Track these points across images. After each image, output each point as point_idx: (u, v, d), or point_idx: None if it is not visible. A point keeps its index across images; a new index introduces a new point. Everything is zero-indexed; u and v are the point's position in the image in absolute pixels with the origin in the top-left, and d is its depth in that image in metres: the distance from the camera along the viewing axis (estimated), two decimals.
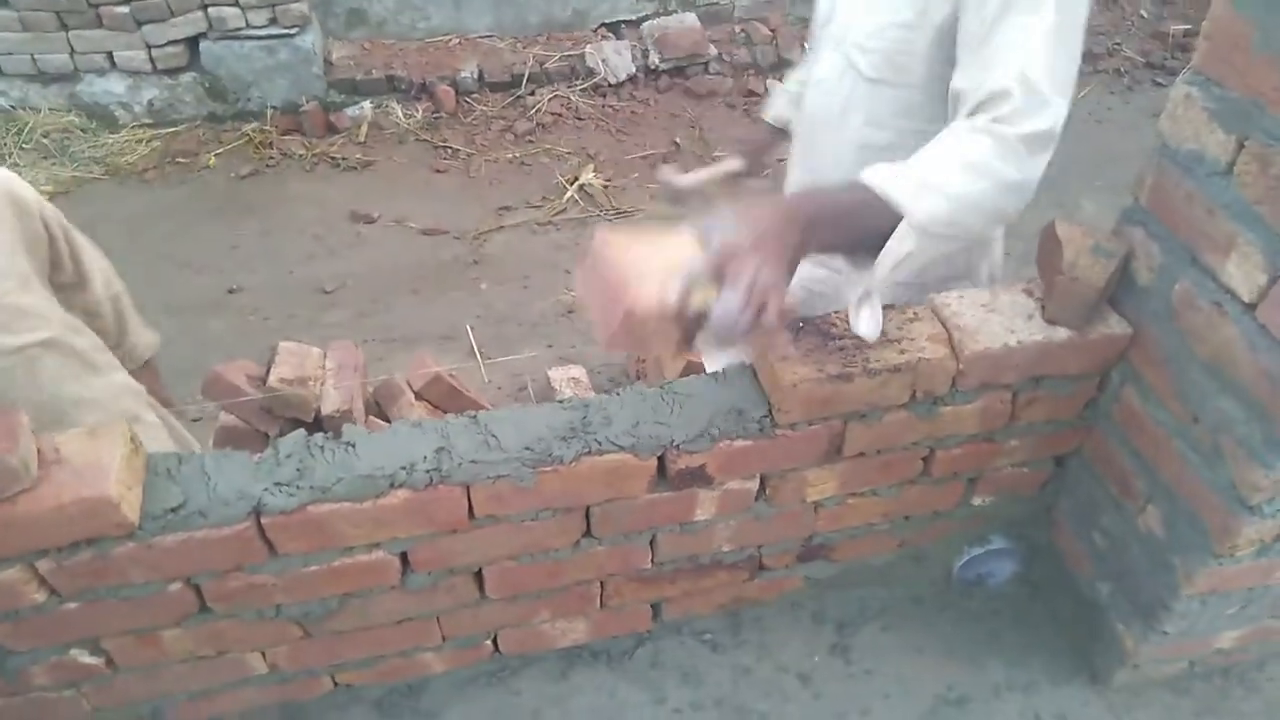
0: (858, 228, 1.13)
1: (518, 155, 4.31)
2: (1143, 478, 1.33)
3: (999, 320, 1.28)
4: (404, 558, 1.26)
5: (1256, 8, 1.01)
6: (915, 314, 1.28)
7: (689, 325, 1.05)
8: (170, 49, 4.11)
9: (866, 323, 1.18)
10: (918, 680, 1.53)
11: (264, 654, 1.36)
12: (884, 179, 1.12)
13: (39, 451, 1.05)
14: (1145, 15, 5.25)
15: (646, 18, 4.81)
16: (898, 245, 1.11)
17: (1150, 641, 1.39)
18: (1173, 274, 1.20)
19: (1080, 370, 1.32)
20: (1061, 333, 1.27)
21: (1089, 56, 4.93)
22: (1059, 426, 1.41)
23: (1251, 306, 1.08)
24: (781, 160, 1.70)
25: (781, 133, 1.76)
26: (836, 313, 1.28)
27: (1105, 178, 4.00)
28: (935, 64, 1.28)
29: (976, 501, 1.51)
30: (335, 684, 1.47)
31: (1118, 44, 5.04)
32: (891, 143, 1.37)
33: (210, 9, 4.02)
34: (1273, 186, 1.03)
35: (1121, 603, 1.44)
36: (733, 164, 1.73)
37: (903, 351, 1.23)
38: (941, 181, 1.11)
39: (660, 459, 1.24)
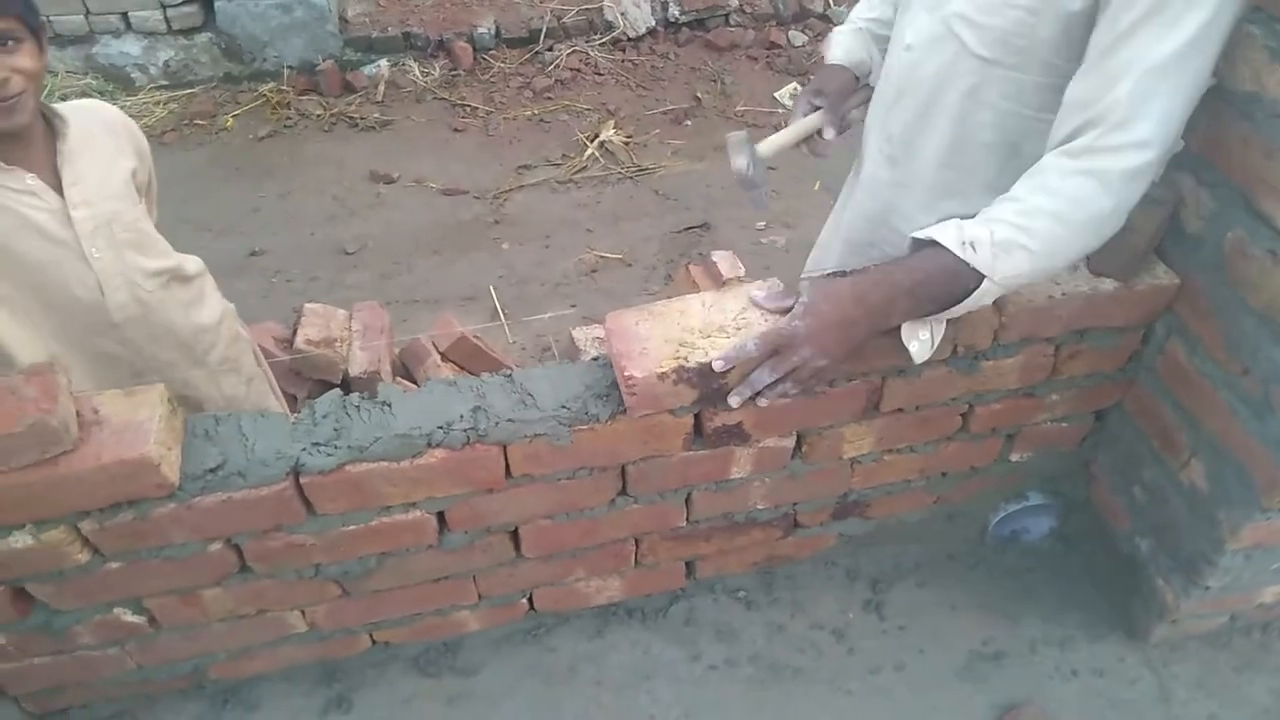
0: (936, 298, 1.09)
1: (537, 112, 4.26)
2: (1187, 431, 1.31)
3: None
4: (441, 517, 1.26)
5: None
6: None
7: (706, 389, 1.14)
8: (185, 9, 4.08)
9: (920, 348, 1.15)
10: (952, 636, 1.52)
11: (303, 612, 1.37)
12: (961, 243, 1.05)
13: (78, 413, 1.05)
14: None
15: None
16: (978, 300, 1.08)
17: (1191, 596, 1.38)
18: (1225, 222, 1.16)
19: (1125, 322, 1.29)
20: (1107, 284, 1.24)
21: None
22: (1101, 380, 1.38)
23: None
24: (858, 111, 1.55)
25: (853, 75, 1.54)
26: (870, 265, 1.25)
27: None
28: (1057, 55, 1.15)
29: (1014, 458, 1.49)
30: (374, 642, 1.48)
31: None
32: (991, 122, 1.26)
33: None
34: None
35: (1162, 558, 1.42)
36: (812, 121, 1.49)
37: None
38: (1026, 239, 1.05)
39: (697, 416, 1.22)
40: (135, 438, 1.04)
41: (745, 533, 1.48)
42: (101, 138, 1.46)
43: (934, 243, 1.07)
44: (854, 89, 1.54)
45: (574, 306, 3.27)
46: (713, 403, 1.19)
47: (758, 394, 1.14)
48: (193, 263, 1.64)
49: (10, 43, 1.28)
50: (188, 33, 4.17)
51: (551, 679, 1.48)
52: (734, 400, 1.15)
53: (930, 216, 1.32)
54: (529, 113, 4.26)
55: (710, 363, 1.11)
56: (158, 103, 4.22)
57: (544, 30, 4.45)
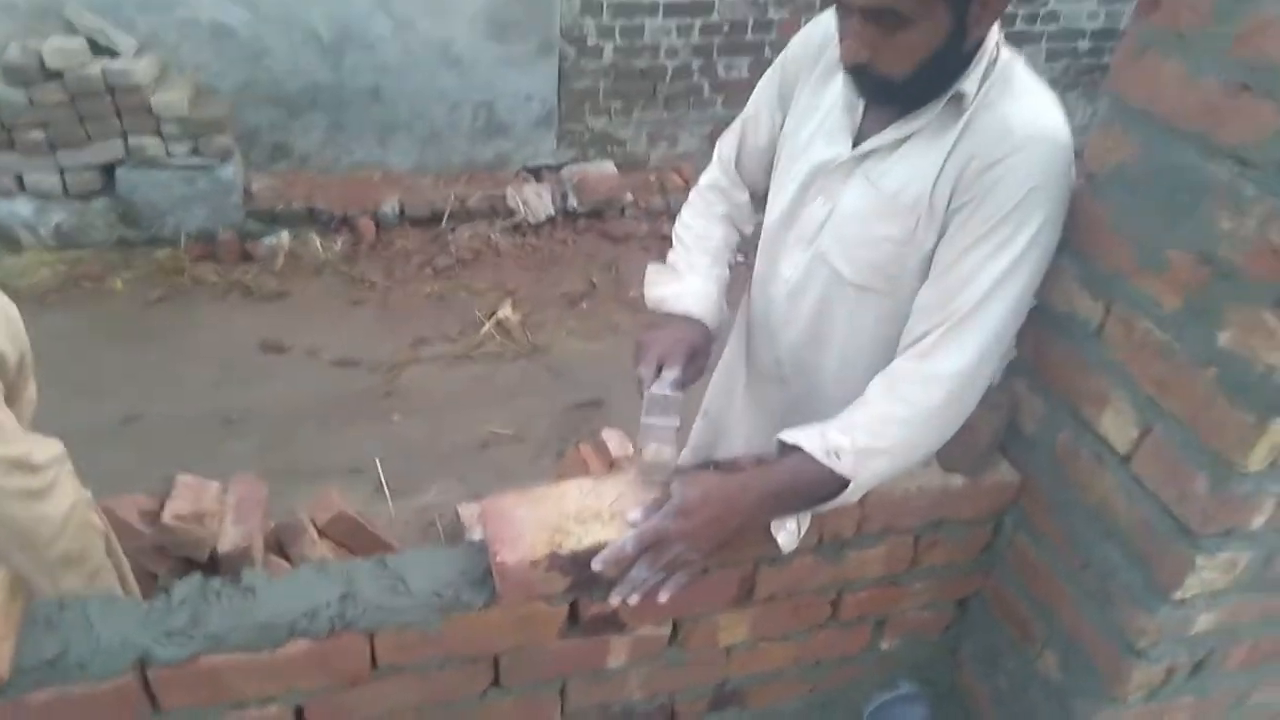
0: (802, 499, 1.18)
1: (436, 289, 4.35)
2: (1039, 621, 1.38)
3: None
4: (299, 713, 1.19)
5: (1112, 193, 1.14)
6: None
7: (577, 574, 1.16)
8: (85, 174, 4.07)
9: (787, 538, 1.23)
10: None
11: None
12: (826, 451, 1.14)
13: None
14: None
15: (566, 163, 5.02)
16: (843, 500, 1.18)
17: None
18: (1055, 425, 1.29)
19: (975, 515, 1.38)
20: (957, 479, 1.33)
21: None
22: (959, 570, 1.46)
23: (1127, 459, 1.17)
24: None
25: (708, 331, 1.44)
26: (744, 457, 1.31)
27: None
28: (920, 281, 1.26)
29: (884, 645, 1.53)
30: None
31: None
32: (872, 346, 1.34)
33: (131, 138, 4.02)
34: (1136, 348, 1.13)
35: None
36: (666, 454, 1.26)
37: None
38: (883, 446, 1.16)
39: (573, 604, 1.22)
40: None
41: None
42: None
43: (799, 448, 1.15)
44: (707, 349, 1.42)
45: (461, 481, 3.24)
46: (587, 590, 1.20)
47: (634, 590, 1.17)
48: (45, 449, 1.54)
49: None
50: (84, 197, 4.15)
51: None
52: (614, 599, 1.18)
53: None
54: (428, 289, 4.35)
55: (581, 551, 1.13)
56: (44, 263, 4.13)
57: (448, 212, 4.62)
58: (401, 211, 4.59)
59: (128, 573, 1.78)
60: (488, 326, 4.12)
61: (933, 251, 1.23)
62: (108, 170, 4.13)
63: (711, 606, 1.32)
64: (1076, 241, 1.20)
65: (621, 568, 1.15)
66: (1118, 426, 1.17)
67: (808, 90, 1.37)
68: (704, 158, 5.14)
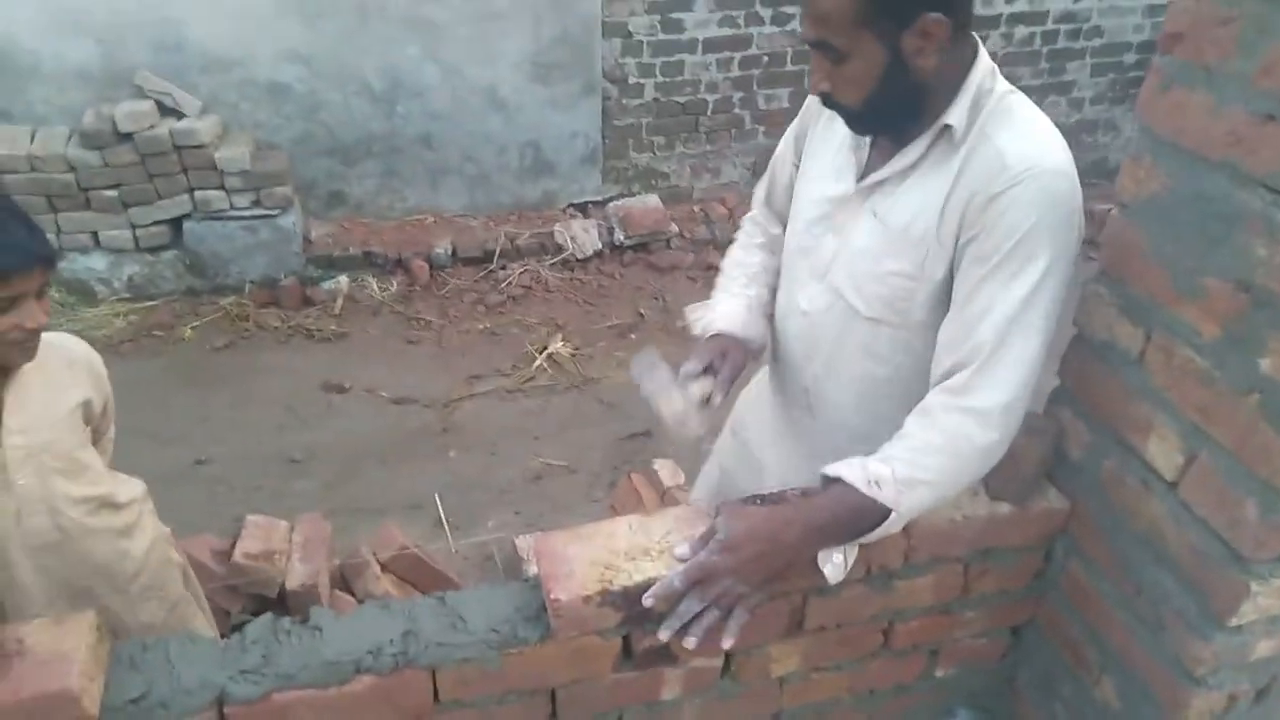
0: (847, 531, 1.21)
1: (489, 326, 4.45)
2: (1094, 648, 1.37)
3: None
4: None
5: (1146, 222, 1.15)
6: None
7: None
8: (154, 229, 4.27)
9: (834, 570, 1.24)
10: None
11: None
12: (867, 481, 1.17)
13: (0, 643, 1.05)
14: None
15: (612, 199, 5.10)
16: (886, 530, 1.20)
17: None
18: (1101, 452, 1.29)
19: (1024, 543, 1.38)
20: (1004, 507, 1.34)
21: None
22: (1011, 598, 1.45)
23: (1174, 485, 1.16)
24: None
25: (745, 348, 1.53)
26: (792, 490, 1.34)
27: None
28: (935, 314, 1.30)
29: (939, 674, 1.53)
30: None
31: None
32: (890, 376, 1.39)
33: (197, 192, 4.21)
34: (1177, 375, 1.13)
35: None
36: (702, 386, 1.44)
37: None
38: (923, 476, 1.18)
39: (626, 638, 1.26)
40: (59, 669, 1.04)
41: None
42: (57, 369, 1.51)
43: (840, 479, 1.18)
44: (744, 363, 1.51)
45: (518, 514, 3.29)
46: (639, 624, 1.23)
47: (687, 630, 1.19)
48: (129, 489, 1.65)
49: (44, 290, 1.37)
50: (154, 250, 4.35)
51: None
52: (663, 634, 1.20)
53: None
54: (481, 326, 4.45)
55: (632, 587, 1.16)
56: (118, 314, 4.33)
57: (498, 250, 4.73)
58: (454, 252, 4.72)
59: (204, 605, 1.87)
60: (539, 360, 4.19)
61: (944, 284, 1.27)
62: (176, 224, 4.32)
63: (763, 638, 1.34)
64: (1114, 269, 1.21)
65: (671, 603, 1.18)
66: (1163, 453, 1.17)
67: (819, 129, 1.44)
68: (747, 187, 5.21)
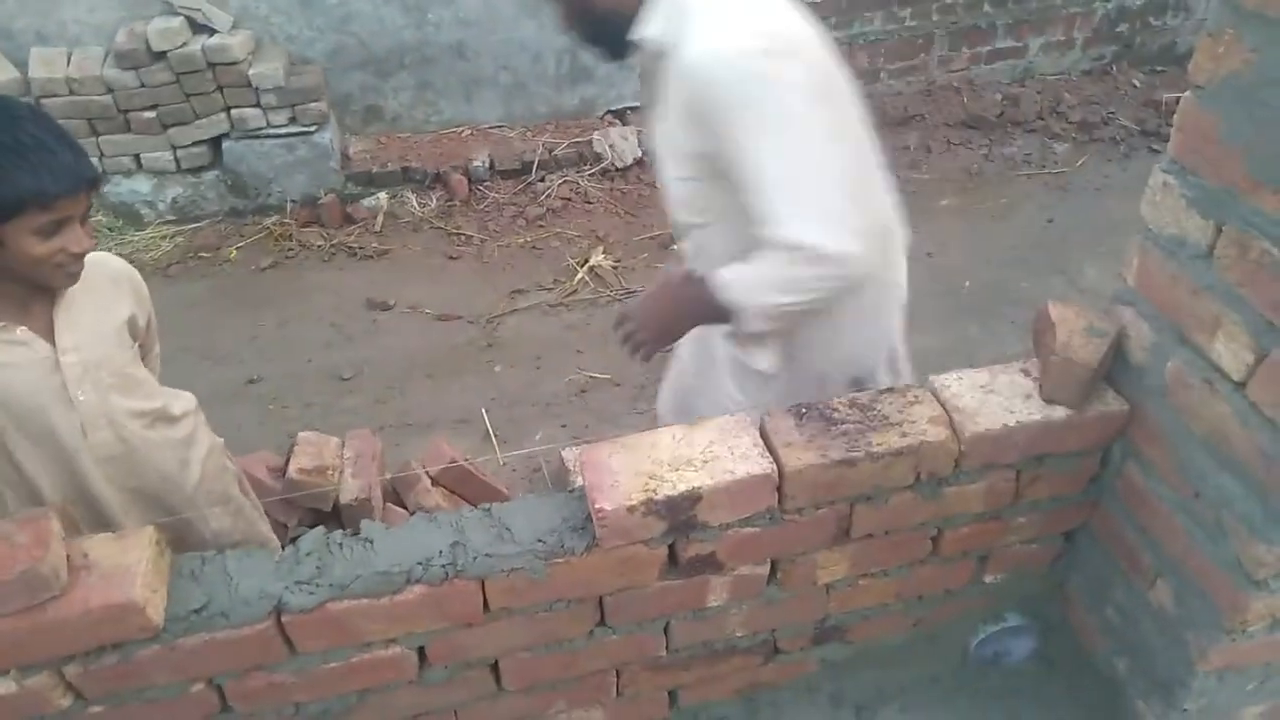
0: (712, 310, 1.49)
1: (529, 240, 4.42)
2: (1150, 553, 1.34)
3: (998, 401, 1.31)
4: (421, 652, 1.27)
5: (1222, 104, 1.07)
6: (915, 397, 1.32)
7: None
8: (194, 149, 4.27)
9: (765, 362, 1.62)
10: None
11: None
12: (719, 283, 1.46)
13: (68, 557, 1.09)
14: (1137, 85, 5.37)
15: None
16: (749, 322, 1.47)
17: (1171, 719, 1.38)
18: (1164, 353, 1.23)
19: (1080, 447, 1.34)
20: (1059, 411, 1.29)
21: (1085, 126, 5.04)
22: (1064, 503, 1.42)
23: (1241, 385, 1.11)
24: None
25: None
26: (839, 400, 1.31)
27: (1108, 244, 4.05)
28: (725, 196, 1.44)
29: (988, 579, 1.52)
30: None
31: (1112, 113, 5.14)
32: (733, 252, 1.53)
33: (233, 110, 4.18)
34: (1252, 270, 1.06)
35: (1139, 679, 1.43)
36: None
37: (905, 435, 1.26)
38: (757, 281, 1.43)
39: (671, 546, 1.26)
40: (122, 581, 1.07)
41: (725, 660, 1.49)
42: (102, 286, 1.54)
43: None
44: None
45: (564, 426, 3.32)
46: (684, 533, 1.23)
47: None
48: (181, 403, 1.70)
49: (88, 214, 1.39)
50: (196, 171, 4.36)
51: None
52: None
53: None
54: (522, 240, 4.42)
55: (675, 496, 1.16)
56: (164, 237, 4.38)
57: (536, 162, 4.66)
58: (491, 165, 4.65)
59: (263, 513, 1.93)
60: (581, 274, 4.16)
61: (701, 156, 1.43)
62: (215, 144, 4.32)
63: (809, 545, 1.34)
64: (1185, 157, 1.13)
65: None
66: (1231, 352, 1.11)
67: None
68: None
